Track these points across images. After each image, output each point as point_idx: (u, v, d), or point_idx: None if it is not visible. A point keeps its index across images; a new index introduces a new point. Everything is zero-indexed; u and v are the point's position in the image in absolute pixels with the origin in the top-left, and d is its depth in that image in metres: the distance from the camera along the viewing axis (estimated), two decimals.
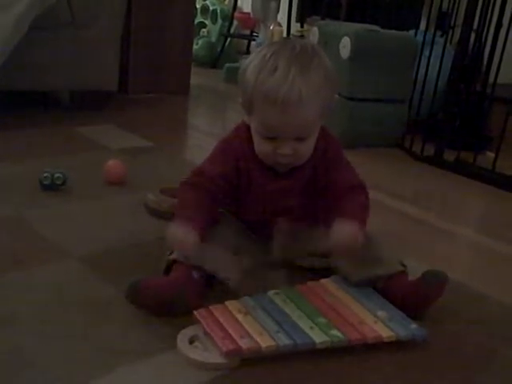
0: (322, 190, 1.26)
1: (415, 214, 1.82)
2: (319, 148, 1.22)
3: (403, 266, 1.22)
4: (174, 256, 1.16)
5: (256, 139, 1.20)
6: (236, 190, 1.26)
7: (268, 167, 1.23)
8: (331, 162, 1.25)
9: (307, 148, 1.19)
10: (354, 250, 1.13)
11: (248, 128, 1.22)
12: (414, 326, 1.09)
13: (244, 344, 0.99)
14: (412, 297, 1.15)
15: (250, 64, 1.16)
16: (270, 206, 1.27)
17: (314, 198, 1.28)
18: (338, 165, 1.26)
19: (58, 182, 1.62)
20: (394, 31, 2.59)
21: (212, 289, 1.18)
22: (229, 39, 4.24)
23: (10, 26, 2.03)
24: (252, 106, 1.16)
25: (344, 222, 1.12)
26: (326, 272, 1.26)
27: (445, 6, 2.63)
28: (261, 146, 1.19)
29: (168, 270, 1.16)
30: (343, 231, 1.11)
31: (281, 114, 1.11)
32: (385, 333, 1.06)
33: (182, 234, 1.10)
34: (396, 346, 1.07)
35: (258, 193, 1.25)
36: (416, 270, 1.21)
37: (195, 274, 1.14)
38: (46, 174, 1.61)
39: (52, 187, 1.62)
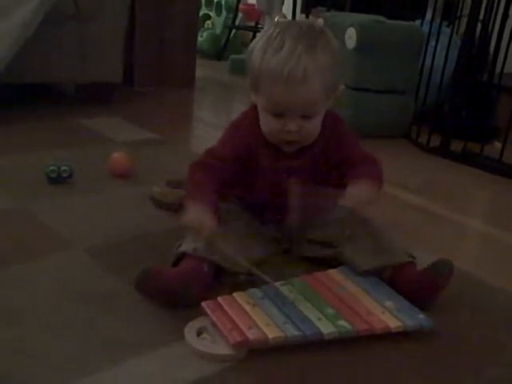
0: (333, 169, 1.28)
1: (422, 204, 1.81)
2: (327, 128, 1.24)
3: (411, 257, 1.21)
4: (182, 249, 1.16)
5: (263, 117, 1.21)
6: (246, 171, 1.26)
7: (276, 148, 1.24)
8: (341, 141, 1.27)
9: (313, 127, 1.20)
10: (370, 202, 1.17)
11: (256, 110, 1.24)
12: (421, 316, 1.09)
13: (251, 335, 0.98)
14: (420, 287, 1.15)
15: (257, 43, 1.18)
16: (280, 187, 1.26)
17: (324, 177, 1.29)
18: (349, 142, 1.28)
19: (65, 175, 1.62)
20: (399, 22, 2.58)
21: (220, 280, 1.18)
22: (233, 31, 4.22)
23: (25, 19, 2.04)
24: (259, 83, 1.18)
25: (359, 180, 1.17)
26: (334, 262, 1.25)
27: None
28: (268, 124, 1.20)
29: (177, 262, 1.16)
30: (359, 185, 1.16)
31: (286, 89, 1.13)
32: (392, 323, 1.06)
33: (199, 214, 1.12)
34: (403, 336, 1.06)
35: (266, 173, 1.26)
36: (422, 260, 1.21)
37: (205, 267, 1.14)
38: (52, 167, 1.61)
39: (59, 180, 1.62)
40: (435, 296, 1.17)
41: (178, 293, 1.08)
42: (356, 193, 1.16)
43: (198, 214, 1.12)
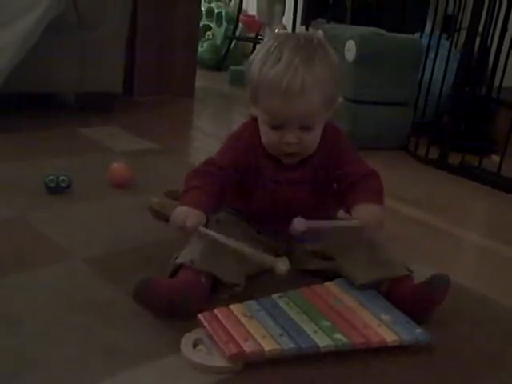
0: (333, 181, 1.29)
1: (419, 217, 1.82)
2: (327, 140, 1.25)
3: (409, 270, 1.22)
4: (180, 260, 1.16)
5: (262, 129, 1.22)
6: (245, 182, 1.27)
7: (276, 159, 1.25)
8: (341, 155, 1.28)
9: (312, 139, 1.21)
10: (379, 228, 1.18)
11: (256, 122, 1.24)
12: (418, 330, 1.09)
13: (248, 347, 0.98)
14: (417, 300, 1.15)
15: (256, 56, 1.20)
16: (280, 199, 1.27)
17: (325, 190, 1.30)
18: (348, 156, 1.29)
19: (64, 185, 1.62)
20: (399, 34, 2.59)
21: (217, 292, 1.18)
22: (234, 42, 4.24)
23: (28, 30, 2.05)
24: (257, 95, 1.19)
25: (365, 205, 1.18)
26: (331, 275, 1.25)
27: (450, 9, 2.63)
28: (267, 136, 1.21)
29: (174, 274, 1.16)
30: (368, 211, 1.17)
31: (284, 102, 1.14)
32: (389, 337, 1.06)
33: (183, 213, 1.12)
34: (400, 349, 1.06)
35: (266, 184, 1.26)
36: (420, 273, 1.21)
37: (202, 278, 1.14)
38: (51, 177, 1.61)
39: (57, 190, 1.62)
40: (432, 310, 1.17)
41: (176, 304, 1.08)
42: (374, 222, 1.16)
43: (181, 213, 1.13)
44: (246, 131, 1.27)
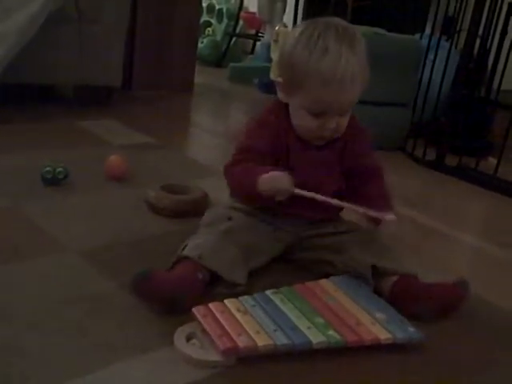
0: (348, 174, 1.32)
1: (415, 218, 1.82)
2: (352, 130, 1.28)
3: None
4: (187, 253, 1.16)
5: (300, 115, 1.23)
6: (274, 165, 1.26)
7: (303, 141, 1.26)
8: (361, 151, 1.32)
9: (346, 121, 1.24)
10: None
11: (280, 106, 1.27)
12: (411, 328, 1.09)
13: (241, 342, 0.98)
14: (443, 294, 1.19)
15: (297, 44, 1.19)
16: (304, 178, 1.26)
17: (340, 177, 1.33)
18: (366, 154, 1.33)
19: (60, 177, 1.62)
20: (399, 34, 2.59)
21: (218, 290, 1.17)
22: (234, 39, 4.24)
23: (28, 20, 2.05)
24: (302, 84, 1.19)
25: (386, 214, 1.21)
26: (331, 271, 1.26)
27: (451, 10, 2.63)
28: (305, 122, 1.23)
29: (177, 263, 1.17)
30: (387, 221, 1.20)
31: (336, 92, 1.17)
32: (382, 334, 1.06)
33: (279, 176, 1.16)
34: (393, 348, 1.07)
35: (294, 165, 1.27)
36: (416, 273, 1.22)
37: (200, 275, 1.14)
38: (47, 169, 1.61)
39: (54, 182, 1.62)
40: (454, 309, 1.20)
41: (176, 300, 1.08)
42: (393, 224, 1.20)
43: (278, 179, 1.16)
44: (270, 115, 1.28)
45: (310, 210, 1.29)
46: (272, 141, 1.26)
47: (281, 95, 1.26)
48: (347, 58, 1.15)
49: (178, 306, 1.08)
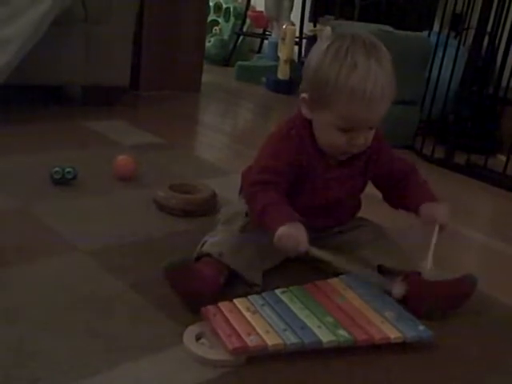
0: (381, 178, 1.33)
1: None
2: (373, 139, 1.26)
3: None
4: (208, 250, 1.17)
5: (327, 132, 1.21)
6: (294, 182, 1.26)
7: (325, 158, 1.25)
8: (386, 155, 1.32)
9: (372, 135, 1.23)
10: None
11: (301, 120, 1.24)
12: (421, 327, 1.09)
13: (250, 342, 0.98)
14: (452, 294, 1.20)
15: (324, 59, 1.17)
16: (324, 196, 1.28)
17: (361, 189, 1.34)
18: (392, 156, 1.34)
19: (69, 177, 1.63)
20: (407, 32, 2.58)
21: (233, 286, 1.17)
22: (241, 37, 4.23)
23: (33, 24, 2.05)
24: (330, 101, 1.17)
25: (431, 205, 1.25)
26: (335, 270, 1.25)
27: (459, 7, 2.62)
28: (333, 138, 1.20)
29: (197, 260, 1.18)
30: (440, 212, 1.24)
31: (366, 108, 1.15)
32: (392, 334, 1.06)
33: (295, 233, 1.12)
34: (403, 346, 1.06)
35: (313, 182, 1.27)
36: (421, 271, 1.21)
37: (222, 279, 1.15)
38: (56, 169, 1.61)
39: (63, 181, 1.62)
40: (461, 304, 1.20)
41: (202, 297, 1.08)
42: (447, 220, 1.24)
43: (289, 237, 1.12)
44: (291, 130, 1.25)
45: (323, 219, 1.31)
46: (291, 159, 1.23)
47: (305, 111, 1.23)
48: (376, 74, 1.13)
49: (199, 304, 1.08)
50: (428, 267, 1.16)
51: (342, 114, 1.17)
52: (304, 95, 1.22)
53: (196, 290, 1.09)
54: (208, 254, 1.16)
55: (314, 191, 1.27)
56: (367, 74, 1.13)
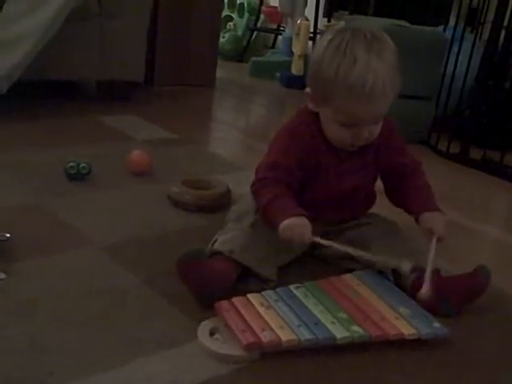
0: (386, 172, 1.32)
1: None
2: (383, 130, 1.25)
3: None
4: (218, 248, 1.16)
5: (332, 127, 1.21)
6: (305, 176, 1.26)
7: (335, 150, 1.25)
8: (396, 146, 1.31)
9: (379, 128, 1.22)
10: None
11: (311, 115, 1.24)
12: (436, 324, 1.08)
13: (264, 337, 0.98)
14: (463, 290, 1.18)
15: (325, 55, 1.16)
16: (336, 188, 1.28)
17: (374, 179, 1.34)
18: (401, 148, 1.33)
19: (84, 172, 1.63)
20: (422, 27, 2.56)
21: (249, 286, 1.16)
22: (255, 33, 4.23)
23: (47, 21, 2.06)
24: (331, 96, 1.17)
25: (431, 215, 1.23)
26: (358, 266, 1.25)
27: (475, 2, 2.60)
28: (338, 133, 1.21)
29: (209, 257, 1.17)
30: (439, 223, 1.22)
31: (366, 104, 1.14)
32: (406, 330, 1.05)
33: (299, 226, 1.13)
34: (417, 343, 1.06)
35: (325, 174, 1.26)
36: (440, 268, 1.20)
37: (234, 275, 1.14)
38: (71, 164, 1.62)
39: (77, 177, 1.63)
40: (475, 298, 1.19)
41: (213, 292, 1.08)
42: (445, 231, 1.21)
43: (294, 228, 1.13)
44: (301, 125, 1.25)
45: (336, 211, 1.31)
46: (301, 155, 1.23)
47: (311, 105, 1.24)
48: (376, 69, 1.12)
49: (211, 298, 1.08)
50: (423, 291, 1.11)
51: (343, 110, 1.17)
52: (308, 90, 1.23)
53: (207, 282, 1.09)
54: (219, 252, 1.16)
55: (327, 184, 1.27)
56: (367, 69, 1.12)
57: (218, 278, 1.10)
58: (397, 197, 1.33)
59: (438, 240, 1.20)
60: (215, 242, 1.19)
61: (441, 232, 1.20)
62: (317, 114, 1.24)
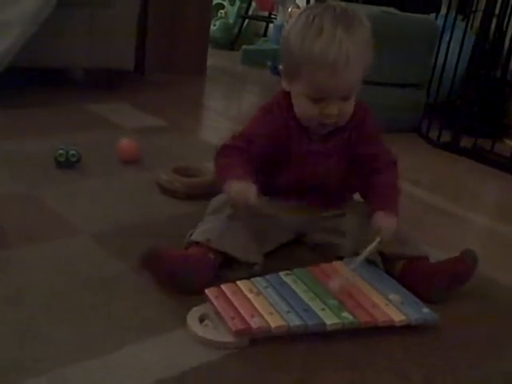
0: (358, 161, 1.29)
1: (430, 200, 1.80)
2: (357, 115, 1.24)
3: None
4: (195, 238, 1.16)
5: (301, 103, 1.20)
6: (276, 155, 1.26)
7: (307, 131, 1.24)
8: (370, 135, 1.28)
9: (350, 107, 1.21)
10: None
11: (286, 95, 1.24)
12: (425, 310, 1.08)
13: (254, 323, 0.98)
14: (439, 274, 1.17)
15: (292, 29, 1.17)
16: (309, 171, 1.27)
17: (350, 167, 1.30)
18: (376, 139, 1.30)
19: (73, 159, 1.62)
20: (413, 14, 2.55)
21: (234, 271, 1.16)
22: (246, 21, 4.21)
23: (36, 7, 2.04)
24: (298, 70, 1.17)
25: (384, 217, 1.16)
26: (340, 253, 1.25)
27: None
28: (306, 109, 1.20)
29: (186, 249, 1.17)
30: (386, 228, 1.15)
31: (330, 75, 1.13)
32: (396, 316, 1.05)
33: (244, 188, 1.13)
34: (407, 329, 1.06)
35: (297, 157, 1.26)
36: (428, 254, 1.22)
37: (211, 255, 1.14)
38: (60, 152, 1.61)
39: (67, 164, 1.62)
40: (460, 284, 1.19)
41: (177, 277, 1.08)
42: (386, 233, 1.15)
43: (240, 190, 1.14)
44: (275, 104, 1.26)
45: (312, 196, 1.30)
46: (271, 130, 1.24)
47: (284, 83, 1.24)
48: (341, 41, 1.11)
49: (189, 285, 1.08)
50: (331, 284, 1.10)
51: (309, 82, 1.16)
52: (280, 66, 1.23)
53: (178, 270, 1.08)
54: (196, 243, 1.15)
55: (300, 165, 1.26)
56: (331, 40, 1.12)
57: (193, 264, 1.10)
58: (363, 188, 1.30)
59: (380, 242, 1.15)
60: (192, 234, 1.18)
61: (386, 237, 1.15)
62: (288, 94, 1.24)
